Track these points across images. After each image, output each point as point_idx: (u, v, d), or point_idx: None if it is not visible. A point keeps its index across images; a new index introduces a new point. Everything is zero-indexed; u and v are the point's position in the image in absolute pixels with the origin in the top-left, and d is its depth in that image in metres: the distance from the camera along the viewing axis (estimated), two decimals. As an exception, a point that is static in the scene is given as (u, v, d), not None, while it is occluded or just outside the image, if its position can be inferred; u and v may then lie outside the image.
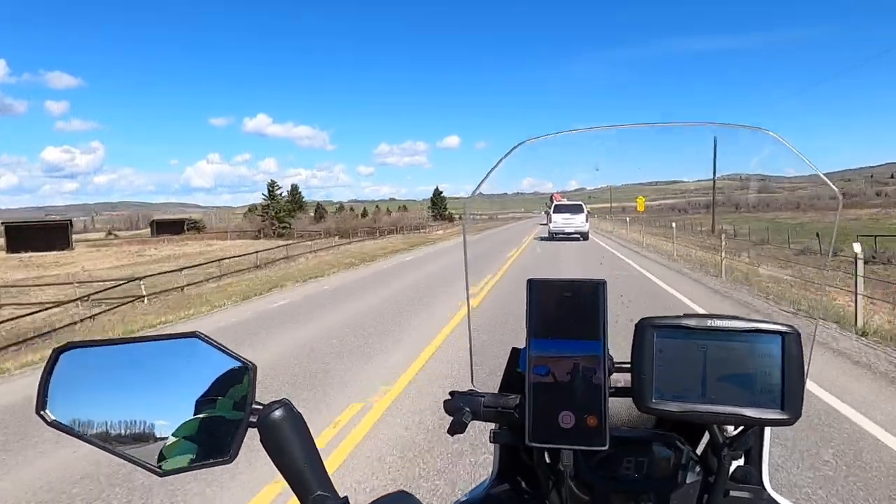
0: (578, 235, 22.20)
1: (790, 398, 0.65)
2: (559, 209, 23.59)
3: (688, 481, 0.77)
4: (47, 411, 0.58)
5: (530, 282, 0.71)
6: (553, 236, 22.54)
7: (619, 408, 0.83)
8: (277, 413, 0.60)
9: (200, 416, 0.59)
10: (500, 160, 0.84)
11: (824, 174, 0.82)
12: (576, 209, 23.04)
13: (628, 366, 0.70)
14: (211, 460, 0.59)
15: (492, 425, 0.81)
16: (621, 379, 0.74)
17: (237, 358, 0.61)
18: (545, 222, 50.08)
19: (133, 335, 0.62)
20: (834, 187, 0.81)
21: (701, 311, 0.72)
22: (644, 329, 0.69)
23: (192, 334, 0.61)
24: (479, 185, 0.89)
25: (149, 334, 0.62)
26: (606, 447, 0.67)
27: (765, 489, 0.80)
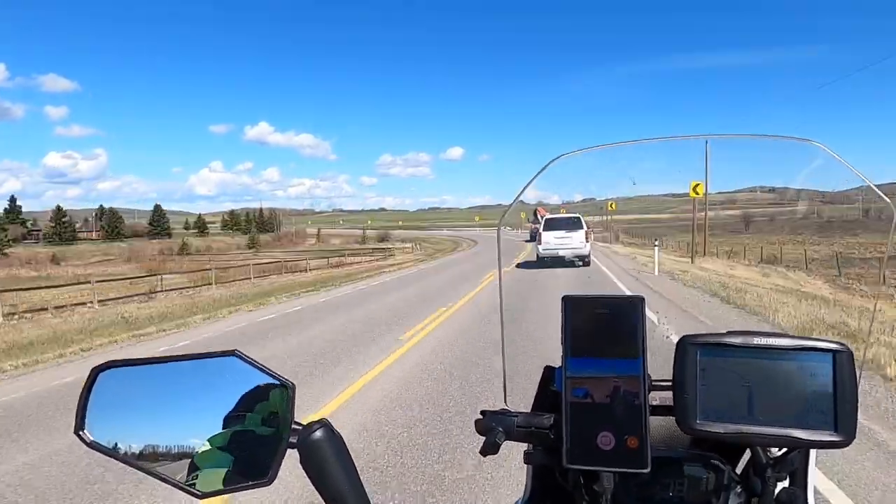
0: (576, 259, 17.22)
1: (843, 419, 0.64)
2: (550, 225, 17.82)
3: (730, 503, 0.76)
4: (86, 432, 0.59)
5: (565, 299, 0.71)
6: (542, 261, 17.26)
7: (655, 427, 0.81)
8: (318, 434, 0.60)
9: (230, 429, 0.60)
10: (537, 174, 0.84)
11: (878, 185, 0.80)
12: (572, 224, 17.58)
13: (666, 383, 0.70)
14: (250, 482, 0.59)
15: (524, 445, 0.80)
16: (657, 397, 0.73)
17: (276, 376, 0.61)
18: (528, 239, 45.07)
19: (173, 355, 0.64)
20: (887, 199, 0.79)
21: None
22: (686, 347, 0.68)
23: (231, 353, 0.61)
24: (515, 199, 0.90)
25: (187, 353, 0.63)
26: (648, 469, 0.66)
27: None
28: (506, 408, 0.82)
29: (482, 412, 0.80)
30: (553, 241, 17.70)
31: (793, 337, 0.67)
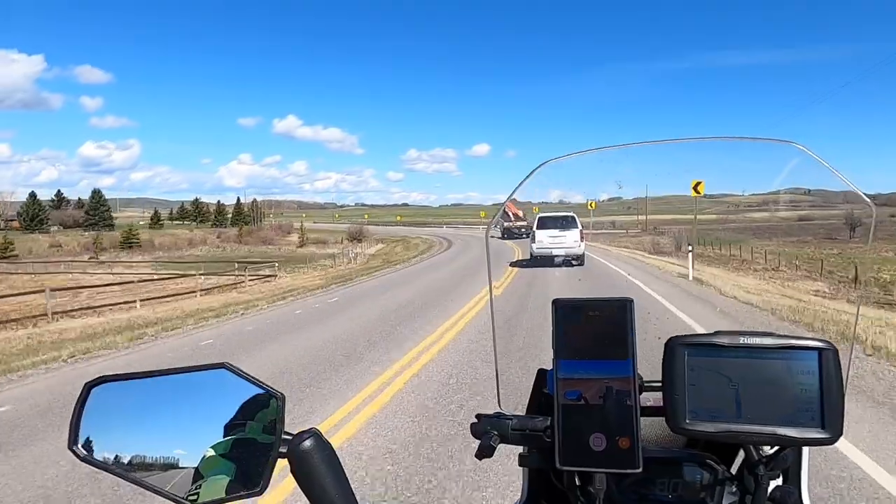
0: (570, 259, 16.91)
1: (830, 416, 0.65)
2: (545, 224, 17.50)
3: (724, 503, 0.77)
4: (79, 447, 0.60)
5: (556, 302, 0.72)
6: (535, 260, 17.01)
7: (649, 427, 0.84)
8: (308, 443, 0.62)
9: (231, 437, 0.61)
10: (524, 180, 0.86)
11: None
12: (566, 223, 17.29)
13: (657, 384, 0.71)
14: (243, 491, 0.60)
15: (520, 448, 0.81)
16: (650, 398, 0.75)
17: (266, 388, 0.63)
18: (499, 236, 43.80)
19: (162, 368, 0.66)
20: (867, 199, 0.82)
21: None
22: (675, 348, 0.69)
23: (221, 365, 0.63)
24: (503, 205, 0.92)
25: (178, 366, 0.65)
26: (640, 469, 0.67)
27: None
28: (500, 411, 0.83)
29: (477, 416, 0.81)
30: (547, 240, 17.48)
31: (779, 336, 0.68)
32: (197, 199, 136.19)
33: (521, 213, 45.93)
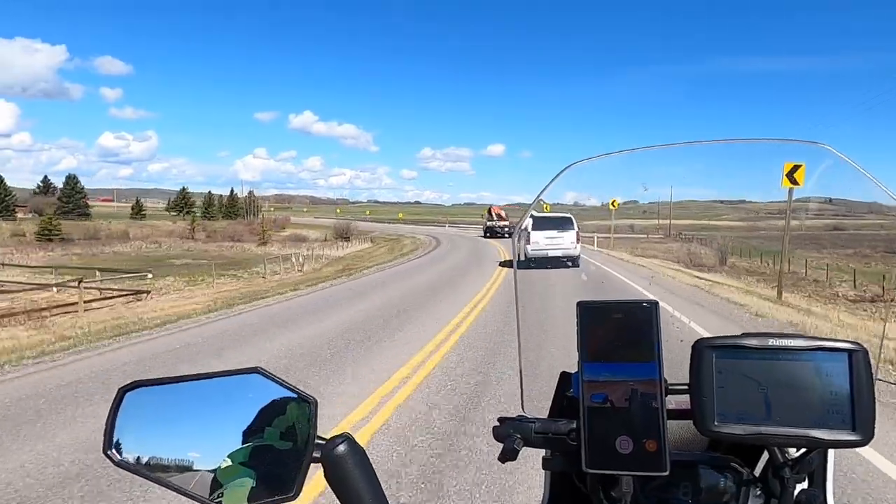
0: (566, 260, 17.44)
1: (861, 418, 0.65)
2: (541, 224, 16.52)
3: None
4: (113, 451, 0.61)
5: (580, 305, 0.72)
6: (531, 262, 16.85)
7: (672, 430, 0.82)
8: (342, 448, 0.62)
9: (249, 444, 0.62)
10: (551, 181, 0.86)
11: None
12: (563, 224, 16.73)
13: (683, 387, 0.71)
14: (276, 497, 0.61)
15: (542, 451, 0.81)
16: (674, 400, 0.74)
17: (298, 392, 0.63)
18: (486, 235, 44.84)
19: (197, 373, 0.66)
20: (894, 196, 0.80)
21: None
22: (702, 350, 0.69)
23: (254, 370, 0.64)
24: (532, 204, 0.92)
25: (211, 371, 0.65)
26: (667, 473, 0.67)
27: None
28: (523, 414, 0.83)
29: (499, 419, 0.81)
30: (543, 242, 16.16)
31: (808, 337, 0.68)
32: (210, 193, 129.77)
33: (503, 213, 47.90)
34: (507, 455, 0.78)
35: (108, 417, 0.62)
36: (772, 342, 0.68)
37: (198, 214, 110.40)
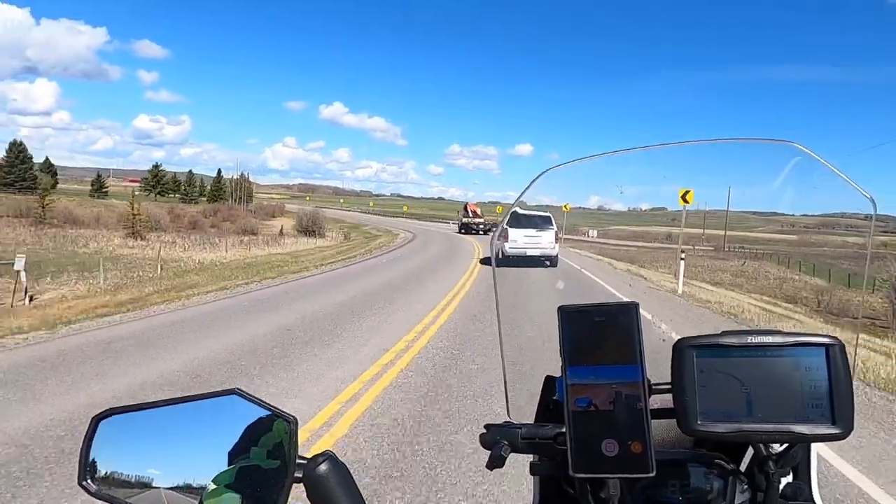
0: (544, 259, 16.26)
1: (841, 411, 0.67)
2: (520, 222, 16.52)
3: (736, 502, 0.79)
4: (88, 481, 0.60)
5: (561, 309, 0.73)
6: (509, 259, 14.97)
7: (658, 430, 0.84)
8: (324, 466, 0.62)
9: (235, 466, 0.61)
10: (529, 185, 0.87)
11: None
12: (542, 223, 17.03)
13: (666, 387, 0.72)
14: None
15: (530, 457, 0.82)
16: (658, 400, 0.75)
17: (277, 411, 0.62)
18: (462, 231, 44.79)
19: (172, 397, 0.65)
20: (867, 194, 0.82)
21: None
22: (683, 350, 0.70)
23: (232, 391, 0.62)
24: (511, 208, 0.93)
25: (188, 394, 0.64)
26: (653, 473, 0.68)
27: None
28: (509, 420, 0.84)
29: (486, 426, 0.82)
30: (522, 240, 16.81)
31: (786, 333, 0.69)
32: (190, 172, 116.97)
33: (478, 211, 48.64)
34: (495, 462, 0.78)
35: (82, 447, 0.61)
36: (751, 339, 0.69)
37: (176, 196, 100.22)
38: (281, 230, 48.15)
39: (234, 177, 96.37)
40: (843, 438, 0.67)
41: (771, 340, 0.69)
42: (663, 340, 0.75)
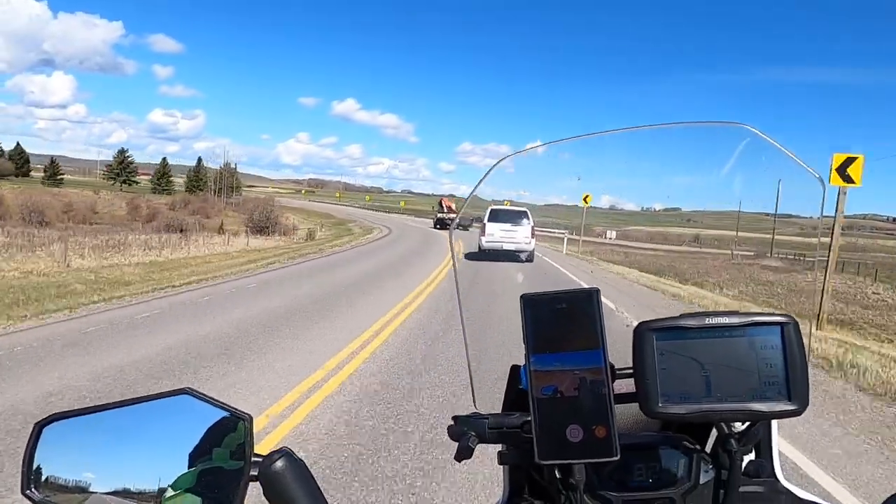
0: (519, 254, 15.75)
1: (796, 388, 0.68)
2: (496, 217, 17.22)
3: (701, 481, 0.80)
4: (33, 490, 0.58)
5: (524, 297, 0.73)
6: (486, 252, 16.36)
7: (624, 414, 0.86)
8: (279, 463, 0.61)
9: (196, 468, 0.59)
10: (485, 175, 0.87)
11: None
12: (518, 218, 17.07)
13: (630, 371, 0.73)
14: None
15: (499, 447, 0.82)
16: (623, 385, 0.76)
17: (232, 410, 0.61)
18: (437, 226, 44.41)
19: (120, 399, 0.63)
20: (815, 173, 0.84)
21: None
22: (643, 333, 0.71)
23: (183, 391, 0.61)
24: (466, 201, 0.93)
25: (137, 395, 0.62)
26: (618, 457, 0.68)
27: (778, 481, 0.84)
28: (476, 411, 0.84)
29: (454, 418, 0.82)
30: (498, 234, 17.15)
31: (743, 314, 0.71)
32: (164, 160, 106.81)
33: (453, 206, 47.70)
34: (463, 453, 0.78)
35: (25, 454, 0.59)
36: (708, 320, 0.71)
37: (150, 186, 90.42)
38: (221, 227, 41.95)
39: (219, 167, 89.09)
40: (800, 414, 0.69)
41: (728, 321, 0.70)
42: (627, 326, 0.75)
